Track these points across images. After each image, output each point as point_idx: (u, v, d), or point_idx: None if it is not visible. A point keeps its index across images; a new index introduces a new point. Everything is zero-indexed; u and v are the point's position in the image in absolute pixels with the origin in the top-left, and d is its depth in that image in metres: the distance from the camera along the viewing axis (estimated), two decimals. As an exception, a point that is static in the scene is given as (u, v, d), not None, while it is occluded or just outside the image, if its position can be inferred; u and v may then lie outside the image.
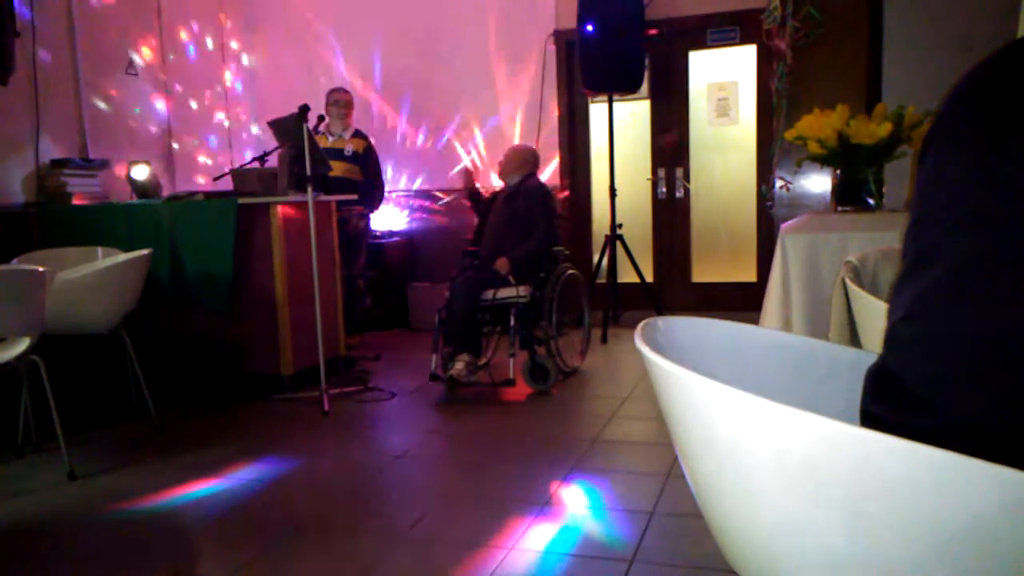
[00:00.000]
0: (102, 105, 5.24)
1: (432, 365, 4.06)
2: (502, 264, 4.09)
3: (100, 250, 3.95)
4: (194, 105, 6.14)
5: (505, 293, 4.02)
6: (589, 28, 5.13)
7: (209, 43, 6.28)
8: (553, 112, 5.88)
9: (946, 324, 0.82)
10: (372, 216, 5.51)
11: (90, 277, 3.51)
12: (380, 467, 3.07)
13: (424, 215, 6.25)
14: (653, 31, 5.43)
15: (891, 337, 0.90)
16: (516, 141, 5.82)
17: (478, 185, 5.84)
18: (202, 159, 6.22)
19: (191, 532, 2.55)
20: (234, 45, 6.42)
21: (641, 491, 2.67)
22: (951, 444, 0.74)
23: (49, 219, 4.40)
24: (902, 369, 0.87)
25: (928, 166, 0.89)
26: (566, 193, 5.83)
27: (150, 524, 2.60)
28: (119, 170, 5.05)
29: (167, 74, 5.86)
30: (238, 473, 3.02)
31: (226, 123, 6.41)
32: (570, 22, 5.45)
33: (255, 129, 6.42)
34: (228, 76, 6.42)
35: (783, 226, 2.67)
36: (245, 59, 6.46)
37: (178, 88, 5.97)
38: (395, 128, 6.21)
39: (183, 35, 6.03)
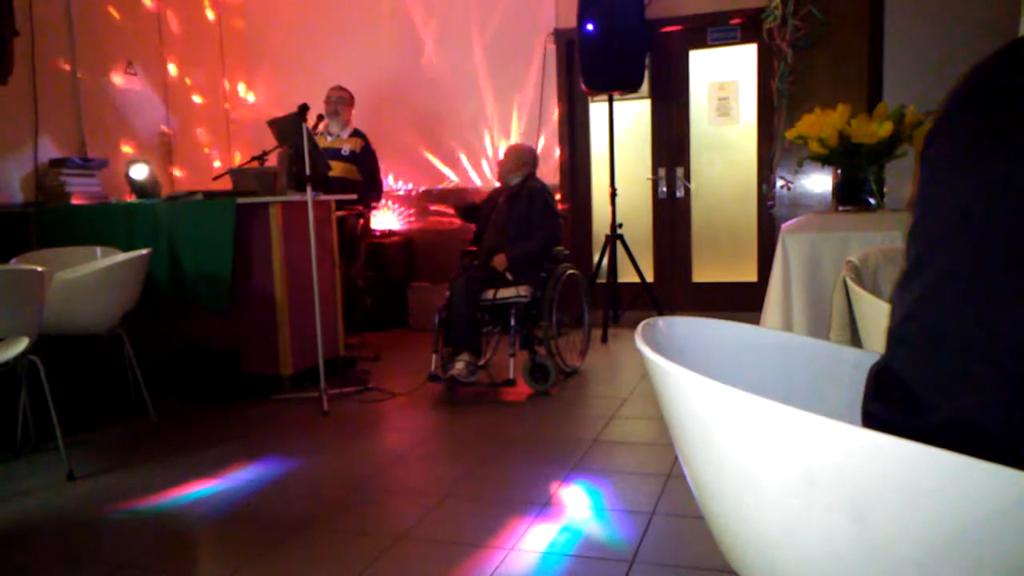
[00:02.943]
0: (101, 105, 5.24)
1: (432, 365, 4.05)
2: (499, 260, 4.08)
3: (99, 250, 3.95)
4: (194, 104, 6.14)
5: (505, 293, 4.02)
6: (589, 27, 5.12)
7: (209, 41, 6.28)
8: (553, 112, 5.88)
9: (945, 325, 0.82)
10: (371, 216, 5.51)
11: (89, 277, 3.51)
12: (380, 467, 3.06)
13: (424, 215, 6.24)
14: (654, 30, 5.43)
15: (892, 337, 0.90)
16: (516, 141, 5.82)
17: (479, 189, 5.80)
18: (201, 158, 6.21)
19: (191, 532, 2.54)
20: (234, 43, 6.41)
21: (641, 491, 2.67)
22: (952, 444, 0.73)
23: (48, 219, 4.39)
24: (903, 369, 0.87)
25: (928, 167, 0.88)
26: (565, 205, 5.78)
27: (150, 524, 2.60)
28: (118, 169, 5.04)
29: (166, 73, 5.85)
30: (238, 473, 3.01)
31: (226, 122, 6.41)
32: (570, 21, 5.45)
33: (255, 128, 6.41)
34: (227, 74, 6.41)
35: (784, 226, 2.66)
36: (245, 57, 6.45)
37: (177, 86, 5.97)
38: (394, 128, 6.20)
39: (182, 33, 6.03)
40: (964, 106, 0.85)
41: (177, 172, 6.00)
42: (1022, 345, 0.76)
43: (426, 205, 6.23)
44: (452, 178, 6.13)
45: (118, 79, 5.39)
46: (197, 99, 6.17)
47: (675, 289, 5.93)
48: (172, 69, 5.89)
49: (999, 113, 0.80)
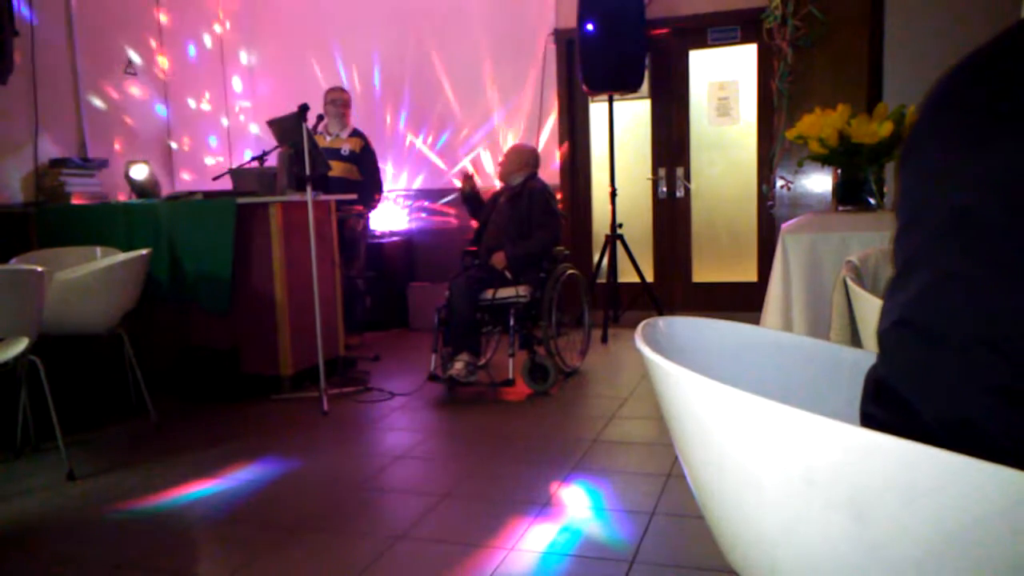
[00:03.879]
0: (101, 104, 5.24)
1: (431, 365, 4.05)
2: (498, 259, 4.08)
3: (99, 250, 3.95)
4: (193, 104, 6.14)
5: (505, 293, 4.02)
6: (589, 27, 5.12)
7: (208, 42, 6.28)
8: (553, 112, 5.87)
9: (944, 325, 0.81)
10: (371, 216, 5.51)
11: (89, 277, 3.50)
12: (380, 467, 3.06)
13: (424, 215, 6.25)
14: (654, 30, 5.43)
15: (886, 341, 0.89)
16: (516, 141, 5.82)
17: (478, 180, 5.75)
18: (201, 158, 6.21)
19: (191, 532, 2.54)
20: (233, 44, 6.41)
21: (641, 491, 2.67)
22: (951, 444, 0.73)
23: (48, 219, 4.39)
24: (895, 375, 0.87)
25: (910, 170, 0.88)
26: (565, 205, 5.78)
27: (150, 524, 2.60)
28: (118, 169, 5.05)
29: (166, 73, 5.86)
30: (238, 473, 3.01)
31: (225, 122, 6.41)
32: (570, 21, 5.45)
33: (254, 128, 6.42)
34: (227, 75, 6.41)
35: (784, 226, 2.66)
36: (244, 57, 6.45)
37: (177, 87, 5.97)
38: (395, 128, 6.20)
39: (182, 34, 6.03)
40: (943, 108, 0.85)
41: (176, 171, 6.00)
42: (1022, 343, 0.75)
43: (426, 205, 6.23)
44: (452, 178, 6.13)
45: (118, 79, 5.39)
46: (196, 99, 6.17)
47: (675, 289, 5.93)
48: (171, 68, 5.89)
49: (978, 114, 0.80)
